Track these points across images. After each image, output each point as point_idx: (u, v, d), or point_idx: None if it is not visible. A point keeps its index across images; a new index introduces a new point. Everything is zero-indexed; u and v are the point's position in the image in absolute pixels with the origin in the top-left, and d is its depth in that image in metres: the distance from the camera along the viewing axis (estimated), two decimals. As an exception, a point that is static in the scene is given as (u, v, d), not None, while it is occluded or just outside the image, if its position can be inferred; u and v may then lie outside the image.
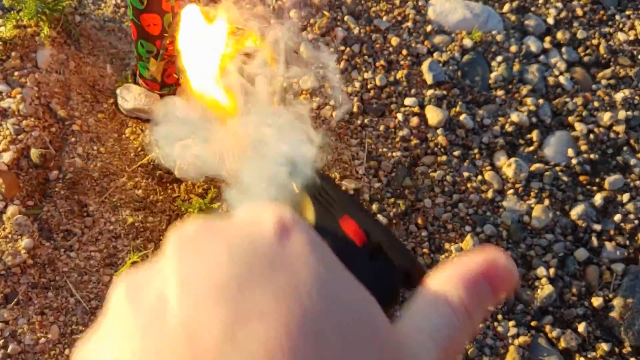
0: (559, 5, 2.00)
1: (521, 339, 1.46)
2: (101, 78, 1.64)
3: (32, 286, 1.38)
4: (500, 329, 1.47)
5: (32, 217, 1.45)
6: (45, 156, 1.51)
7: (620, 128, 1.77)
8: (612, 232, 1.62)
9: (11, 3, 1.63)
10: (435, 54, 1.82)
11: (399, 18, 1.86)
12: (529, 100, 1.78)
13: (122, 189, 1.53)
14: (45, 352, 1.32)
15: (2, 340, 1.31)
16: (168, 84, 1.59)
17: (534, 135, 1.74)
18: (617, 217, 1.64)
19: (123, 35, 1.70)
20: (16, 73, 1.61)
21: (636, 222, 1.64)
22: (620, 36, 1.96)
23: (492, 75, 1.81)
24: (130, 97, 1.58)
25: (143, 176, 1.56)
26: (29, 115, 1.54)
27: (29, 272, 1.39)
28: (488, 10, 1.92)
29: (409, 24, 1.85)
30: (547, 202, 1.63)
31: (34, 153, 1.51)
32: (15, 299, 1.36)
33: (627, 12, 2.03)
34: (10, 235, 1.41)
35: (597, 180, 1.70)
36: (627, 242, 1.61)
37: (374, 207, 1.57)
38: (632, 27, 1.99)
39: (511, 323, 1.48)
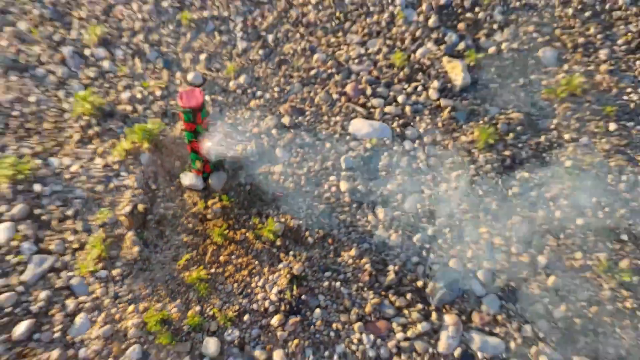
0: (428, 120, 3.48)
1: (374, 301, 2.91)
2: (174, 168, 3.23)
3: (139, 268, 2.95)
4: (365, 295, 2.93)
5: (139, 237, 3.03)
6: (145, 208, 3.10)
7: (455, 193, 3.22)
8: (435, 249, 3.06)
9: (135, 137, 3.26)
10: (349, 152, 3.33)
11: (331, 131, 3.39)
12: (399, 177, 3.26)
13: (182, 224, 3.10)
14: (145, 298, 2.87)
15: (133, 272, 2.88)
16: (206, 171, 3.16)
17: (399, 197, 3.21)
18: (440, 241, 3.07)
19: (182, 146, 3.29)
20: (131, 166, 3.22)
21: (454, 244, 3.07)
22: (463, 138, 3.42)
23: (381, 163, 3.30)
24: (187, 178, 3.16)
25: (193, 218, 3.12)
26: (138, 187, 3.15)
27: (137, 262, 2.97)
28: (384, 126, 3.42)
29: (337, 135, 3.38)
30: (400, 232, 3.09)
31: (140, 207, 3.10)
32: (131, 274, 2.93)
33: (471, 124, 3.48)
34: (129, 245, 2.99)
35: (432, 220, 3.14)
36: (444, 254, 3.04)
37: (306, 234, 3.07)
38: (472, 133, 3.44)
39: (370, 292, 2.93)
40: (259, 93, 3.47)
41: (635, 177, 3.35)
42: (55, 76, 3.46)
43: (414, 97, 3.52)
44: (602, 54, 3.78)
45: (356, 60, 3.64)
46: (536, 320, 2.94)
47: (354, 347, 2.83)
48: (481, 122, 3.49)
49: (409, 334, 2.86)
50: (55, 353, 2.70)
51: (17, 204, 3.03)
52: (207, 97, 3.42)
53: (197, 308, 2.86)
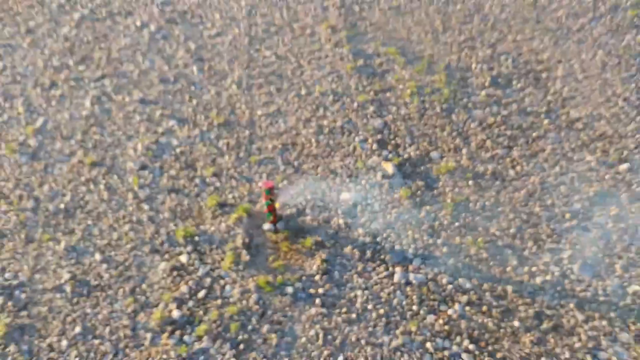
0: (378, 189, 7.05)
1: (361, 265, 6.26)
2: (259, 222, 6.72)
3: (250, 264, 6.31)
4: (357, 264, 6.28)
5: (248, 252, 6.43)
6: (249, 240, 6.54)
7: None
8: (388, 242, 6.47)
9: (239, 211, 6.81)
10: (342, 207, 6.86)
11: (333, 198, 6.95)
12: (367, 214, 6.75)
13: (266, 245, 6.51)
14: (255, 275, 6.21)
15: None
16: (274, 222, 6.65)
17: (368, 223, 6.68)
18: (389, 239, 6.50)
19: (261, 212, 6.80)
20: (239, 224, 6.71)
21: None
22: (396, 195, 6.98)
23: (357, 210, 6.82)
24: (266, 226, 6.65)
25: (271, 242, 6.54)
26: (244, 232, 6.61)
27: (249, 262, 6.33)
28: (358, 194, 6.99)
29: (335, 200, 6.94)
30: (371, 237, 6.51)
31: (246, 240, 6.54)
32: (247, 267, 6.28)
33: (400, 188, 7.07)
34: (244, 256, 6.39)
35: (385, 231, 6.59)
36: (393, 243, 6.44)
37: (326, 242, 6.52)
38: (400, 192, 7.01)
39: (359, 263, 6.29)
40: (294, 186, 7.10)
41: (484, 203, 6.89)
42: (193, 193, 7.09)
43: (370, 180, 7.15)
44: (464, 151, 7.50)
45: (340, 168, 7.32)
46: (440, 266, 6.27)
47: (355, 284, 6.11)
48: (404, 187, 7.08)
49: (380, 276, 6.17)
50: (219, 301, 5.99)
51: (187, 245, 6.49)
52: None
53: (280, 276, 6.18)
